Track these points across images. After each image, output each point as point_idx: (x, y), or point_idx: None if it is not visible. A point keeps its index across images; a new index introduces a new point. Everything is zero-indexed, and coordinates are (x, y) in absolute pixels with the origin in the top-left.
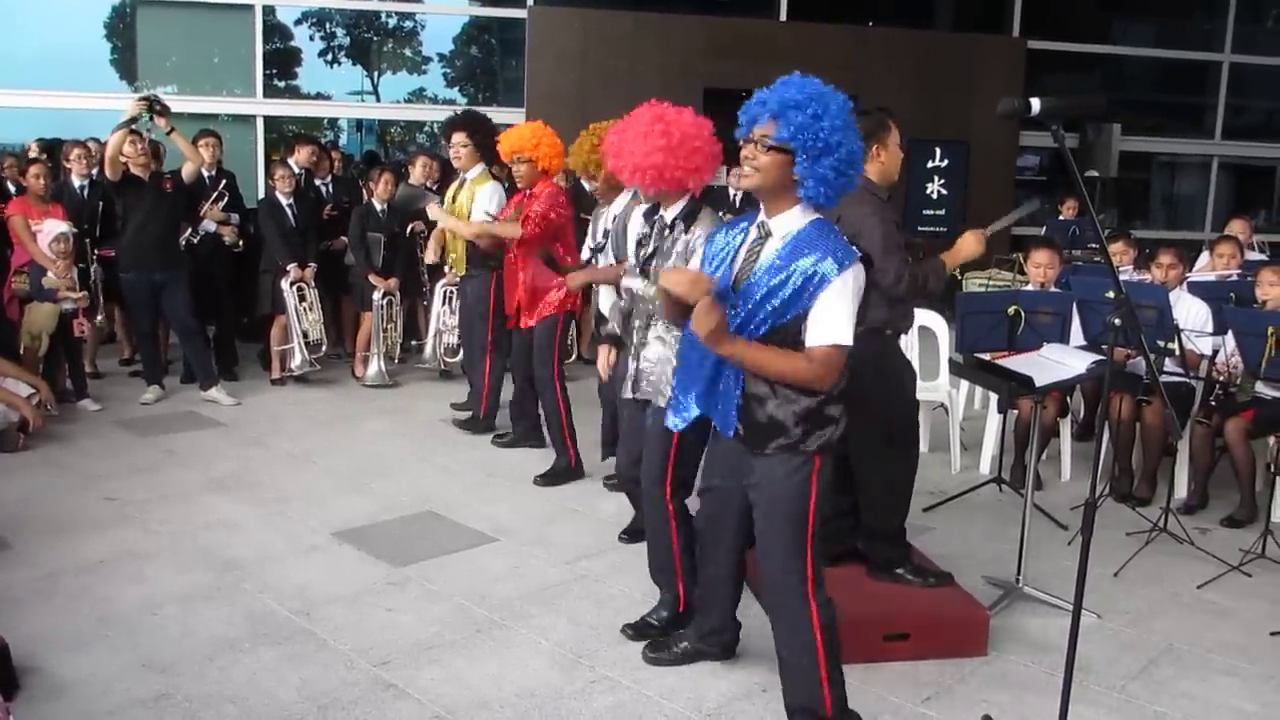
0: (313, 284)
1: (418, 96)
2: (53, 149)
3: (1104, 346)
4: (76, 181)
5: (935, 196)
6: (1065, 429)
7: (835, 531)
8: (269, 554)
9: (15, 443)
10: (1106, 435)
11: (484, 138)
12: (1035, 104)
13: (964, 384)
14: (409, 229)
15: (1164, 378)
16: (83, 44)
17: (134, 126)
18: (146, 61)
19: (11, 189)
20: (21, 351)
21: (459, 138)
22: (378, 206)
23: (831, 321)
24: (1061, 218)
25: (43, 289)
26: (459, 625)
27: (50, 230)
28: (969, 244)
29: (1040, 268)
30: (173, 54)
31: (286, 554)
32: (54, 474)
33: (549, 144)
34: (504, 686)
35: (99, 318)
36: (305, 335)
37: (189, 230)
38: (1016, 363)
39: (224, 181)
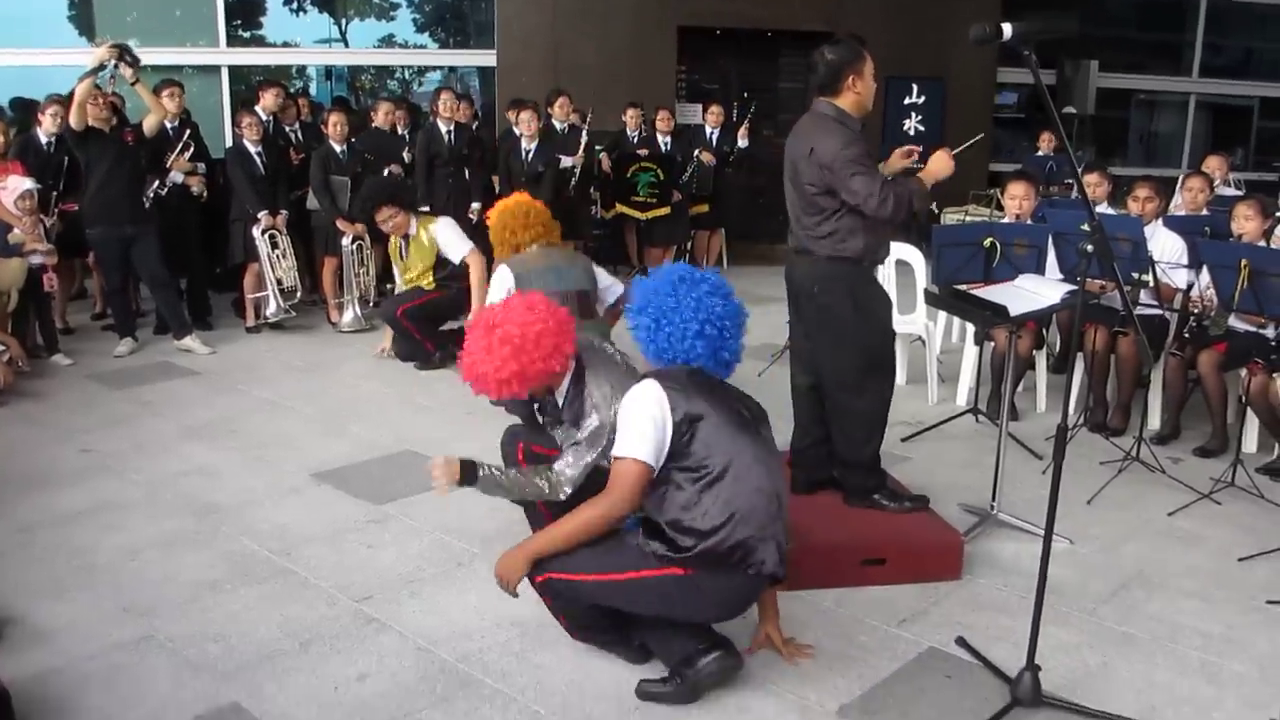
0: (285, 231)
1: (387, 42)
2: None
3: (1078, 277)
4: (43, 137)
5: (912, 133)
6: (1041, 361)
7: (812, 460)
8: (248, 498)
9: None
10: (1080, 365)
11: (409, 201)
12: (1007, 29)
13: (941, 317)
14: (385, 171)
15: (1138, 310)
16: (39, 3)
17: (98, 77)
18: (104, 16)
19: None
20: None
21: (387, 212)
22: (337, 149)
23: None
24: (1039, 153)
25: (9, 245)
26: (439, 560)
27: (14, 188)
28: (939, 161)
29: (1016, 200)
30: (132, 9)
31: (265, 497)
32: (28, 429)
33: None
34: (485, 617)
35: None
36: (279, 282)
37: (156, 183)
38: (991, 293)
39: (188, 131)
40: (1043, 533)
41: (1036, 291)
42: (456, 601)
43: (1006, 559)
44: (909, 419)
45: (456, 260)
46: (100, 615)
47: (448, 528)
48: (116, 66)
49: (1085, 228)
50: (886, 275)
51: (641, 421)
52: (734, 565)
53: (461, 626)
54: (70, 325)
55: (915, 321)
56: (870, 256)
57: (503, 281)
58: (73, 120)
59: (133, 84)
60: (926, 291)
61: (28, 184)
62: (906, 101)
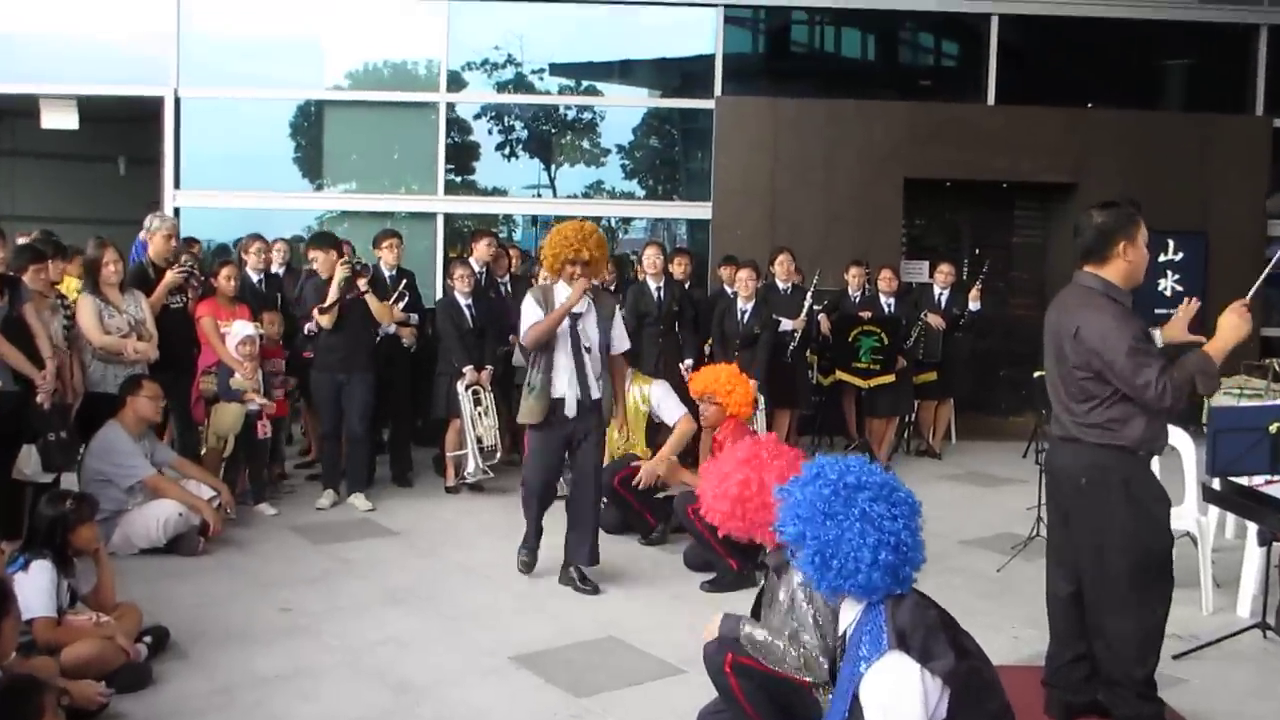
0: (489, 387)
1: (595, 190)
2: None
3: None
4: (254, 276)
5: (1169, 294)
6: None
7: (1072, 680)
8: (444, 676)
9: (195, 547)
10: None
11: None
12: None
13: (1213, 510)
14: None
15: None
16: (269, 146)
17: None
18: (330, 160)
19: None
20: (204, 452)
21: None
22: None
23: None
24: None
25: (230, 390)
26: None
27: (238, 332)
28: (1231, 324)
29: None
30: (355, 151)
31: (463, 676)
32: (230, 580)
33: (743, 390)
34: None
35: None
36: (480, 441)
37: None
38: None
39: (404, 281)
40: None
41: None
42: None
43: None
44: (1180, 631)
45: (670, 422)
46: None
47: None
48: (354, 281)
49: None
50: (1153, 462)
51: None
52: None
53: None
54: (286, 471)
55: (1184, 515)
56: (1148, 446)
57: None
58: (326, 324)
59: (363, 294)
60: (1205, 487)
61: (250, 329)
62: (1162, 258)
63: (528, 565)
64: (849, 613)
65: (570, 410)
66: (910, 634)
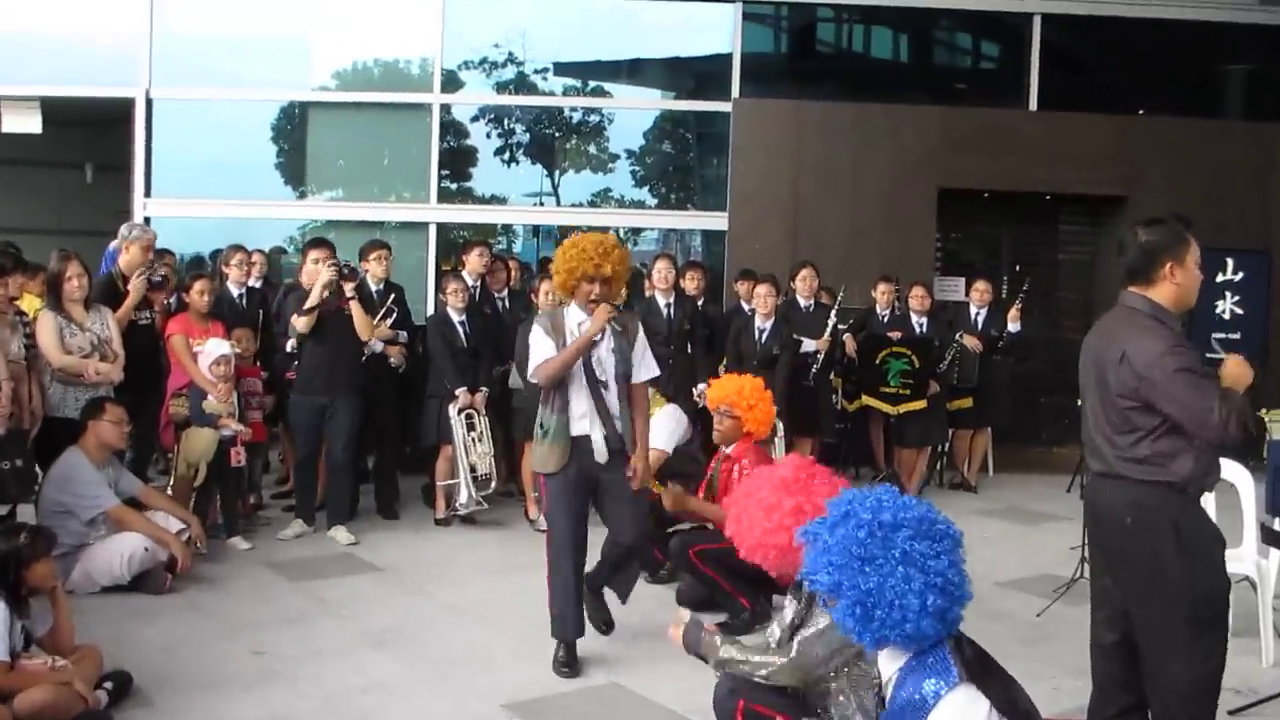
0: (483, 412)
1: (602, 198)
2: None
3: None
4: (234, 290)
5: (1228, 316)
6: None
7: None
8: None
9: (162, 584)
10: None
11: None
12: None
13: (1274, 553)
14: None
15: None
16: (248, 151)
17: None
18: (315, 166)
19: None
20: (173, 481)
21: None
22: None
23: None
24: None
25: (202, 414)
26: None
27: (212, 351)
28: (1231, 371)
29: None
30: (341, 157)
31: None
32: (200, 621)
33: (765, 408)
34: None
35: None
36: (473, 469)
37: None
38: None
39: (392, 296)
40: None
41: None
42: None
43: None
44: (1237, 684)
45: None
46: None
47: None
48: (340, 283)
49: None
50: (1206, 500)
51: None
52: None
53: None
54: (263, 501)
55: (1243, 558)
56: (1198, 483)
57: None
58: (303, 328)
59: (349, 300)
60: (1264, 527)
61: (225, 348)
62: (1220, 278)
63: (570, 667)
64: (893, 661)
65: (600, 456)
66: (975, 672)
